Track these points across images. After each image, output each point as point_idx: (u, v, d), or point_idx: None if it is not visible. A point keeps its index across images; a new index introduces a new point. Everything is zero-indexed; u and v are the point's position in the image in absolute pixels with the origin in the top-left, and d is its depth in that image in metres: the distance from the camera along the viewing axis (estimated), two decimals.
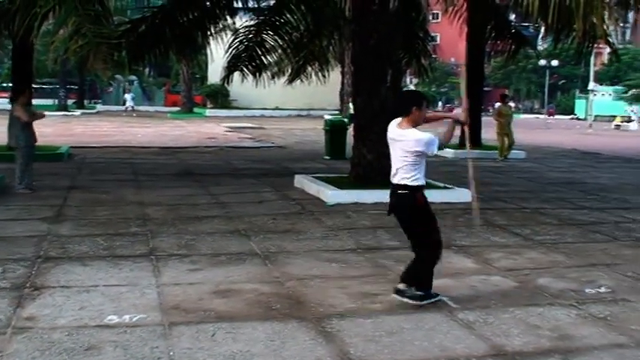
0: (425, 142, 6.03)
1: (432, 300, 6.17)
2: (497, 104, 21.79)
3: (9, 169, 12.96)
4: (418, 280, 6.17)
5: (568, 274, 7.41)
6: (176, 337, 5.27)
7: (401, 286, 6.19)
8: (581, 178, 16.58)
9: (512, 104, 21.91)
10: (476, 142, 21.94)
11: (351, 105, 37.98)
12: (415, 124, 6.22)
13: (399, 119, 6.33)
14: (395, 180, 6.23)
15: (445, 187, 12.62)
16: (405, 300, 6.11)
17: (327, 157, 19.66)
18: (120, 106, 56.25)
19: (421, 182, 6.17)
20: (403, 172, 6.13)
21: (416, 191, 6.12)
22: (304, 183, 13.17)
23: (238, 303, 6.18)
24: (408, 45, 18.69)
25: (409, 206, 6.16)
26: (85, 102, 59.24)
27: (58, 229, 9.24)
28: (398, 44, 13.49)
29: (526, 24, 28.62)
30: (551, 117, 62.25)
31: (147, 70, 66.78)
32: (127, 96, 54.59)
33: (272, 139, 28.42)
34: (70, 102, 54.26)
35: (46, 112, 15.99)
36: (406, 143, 6.10)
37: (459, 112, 6.25)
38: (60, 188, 12.80)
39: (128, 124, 36.84)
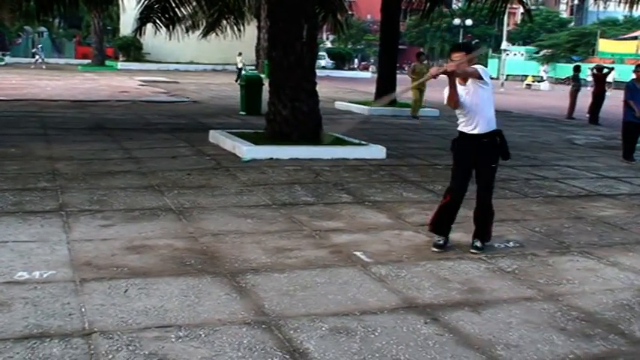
0: None
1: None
2: (413, 63, 21.98)
3: None
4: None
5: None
6: (88, 293, 5.19)
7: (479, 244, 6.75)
8: None
9: (426, 62, 22.09)
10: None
11: (238, 59, 37.85)
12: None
13: None
14: None
15: (360, 144, 12.73)
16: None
17: (243, 113, 19.51)
18: (29, 58, 54.30)
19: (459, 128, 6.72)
20: None
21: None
22: (219, 138, 13.05)
23: (152, 259, 6.12)
24: (324, 0, 18.63)
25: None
26: None
27: None
28: None
29: None
30: None
31: (57, 21, 64.49)
32: (37, 48, 52.74)
33: (187, 93, 28.00)
34: None
35: None
36: None
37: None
38: None
39: (37, 77, 35.64)
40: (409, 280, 5.83)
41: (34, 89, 26.67)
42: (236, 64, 39.02)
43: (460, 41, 8.73)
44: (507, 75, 55.52)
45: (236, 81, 36.79)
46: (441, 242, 6.71)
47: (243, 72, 37.28)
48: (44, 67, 47.76)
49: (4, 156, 11.09)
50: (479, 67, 6.36)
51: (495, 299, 5.48)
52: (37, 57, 50.46)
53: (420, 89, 20.61)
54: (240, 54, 38.04)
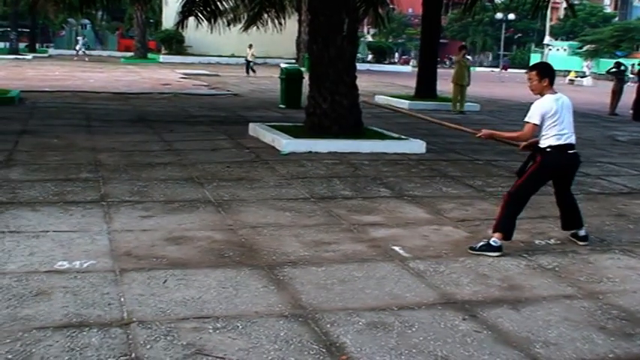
0: None
1: None
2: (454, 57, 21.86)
3: None
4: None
5: (519, 225, 7.46)
6: (127, 283, 5.24)
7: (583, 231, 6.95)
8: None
9: (469, 57, 21.94)
10: (431, 93, 22.02)
11: (248, 51, 37.51)
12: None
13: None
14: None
15: (399, 138, 12.67)
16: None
17: (283, 106, 19.54)
18: (72, 50, 54.99)
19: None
20: None
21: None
22: (259, 131, 13.09)
23: (191, 250, 6.16)
24: None
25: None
26: (37, 45, 57.75)
27: (8, 173, 9.06)
28: None
29: None
30: (505, 71, 62.61)
31: (100, 13, 65.25)
32: (80, 40, 53.38)
33: (227, 86, 28.13)
34: (21, 45, 52.84)
35: None
36: None
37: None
38: (10, 133, 12.53)
39: (80, 69, 36.09)
40: (447, 275, 5.79)
41: (77, 81, 27.01)
42: (245, 57, 38.77)
43: (538, 62, 8.80)
44: None
45: (247, 74, 36.86)
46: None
47: (252, 64, 37.43)
48: (87, 59, 48.32)
49: (47, 146, 11.26)
50: (535, 109, 6.48)
51: (535, 297, 5.41)
52: (78, 48, 51.05)
53: (462, 84, 20.46)
54: (250, 46, 37.46)
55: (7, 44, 51.80)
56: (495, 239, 6.43)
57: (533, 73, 6.57)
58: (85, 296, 4.93)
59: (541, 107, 6.43)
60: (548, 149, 6.50)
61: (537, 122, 6.39)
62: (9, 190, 8.10)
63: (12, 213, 7.11)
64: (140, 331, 4.42)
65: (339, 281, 5.51)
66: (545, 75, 6.53)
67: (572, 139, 6.64)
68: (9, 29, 53.30)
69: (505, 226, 6.51)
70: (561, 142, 6.49)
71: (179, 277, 5.42)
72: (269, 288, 5.30)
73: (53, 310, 4.68)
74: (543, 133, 6.49)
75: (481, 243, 6.49)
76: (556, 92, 6.53)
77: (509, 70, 66.05)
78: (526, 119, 6.46)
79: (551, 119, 6.42)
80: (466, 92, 20.92)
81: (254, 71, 37.63)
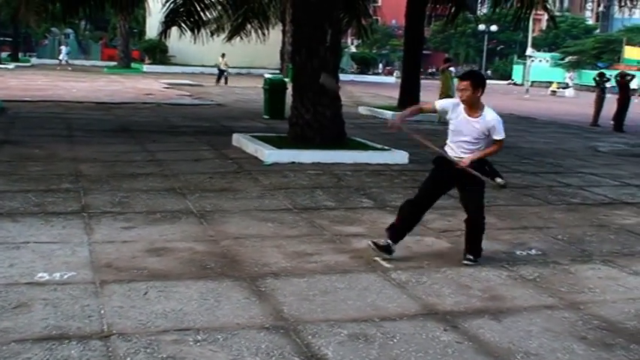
0: None
1: None
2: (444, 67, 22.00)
3: None
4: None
5: (500, 236, 7.56)
6: (107, 295, 5.20)
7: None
8: (517, 142, 16.83)
9: (452, 69, 22.01)
10: (414, 104, 22.05)
11: (221, 60, 37.04)
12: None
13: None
14: None
15: (383, 149, 12.69)
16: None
17: (267, 117, 19.53)
18: (55, 59, 54.75)
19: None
20: None
21: None
22: (242, 142, 13.08)
23: (172, 262, 6.13)
24: (348, 5, 18.63)
25: None
26: (20, 55, 57.45)
27: None
28: (338, 4, 13.41)
29: None
30: None
31: (83, 23, 65.07)
32: (63, 49, 53.15)
33: (211, 96, 28.09)
34: (3, 54, 52.55)
35: None
36: None
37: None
38: None
39: (63, 78, 35.92)
40: (429, 286, 5.80)
41: (59, 90, 26.88)
42: (217, 66, 38.56)
43: (471, 70, 8.64)
44: (532, 81, 55.18)
45: (217, 83, 36.74)
46: None
47: (225, 74, 37.26)
48: (70, 68, 48.12)
49: (29, 157, 11.19)
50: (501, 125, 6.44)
51: (516, 307, 5.42)
52: (62, 58, 50.82)
53: (449, 95, 20.56)
54: (223, 55, 37.27)
55: None
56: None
57: (467, 82, 6.26)
58: (65, 308, 4.89)
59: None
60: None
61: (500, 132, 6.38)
62: None
63: None
64: (120, 343, 4.39)
65: (321, 292, 5.50)
66: (480, 85, 6.29)
67: None
68: None
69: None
70: None
71: (160, 289, 5.40)
72: (251, 299, 5.29)
73: (33, 322, 4.64)
74: (482, 146, 6.41)
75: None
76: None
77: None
78: (502, 136, 6.37)
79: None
80: None
81: (226, 81, 37.32)
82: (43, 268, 5.74)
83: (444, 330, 4.87)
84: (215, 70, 39.93)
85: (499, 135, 6.34)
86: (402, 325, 4.91)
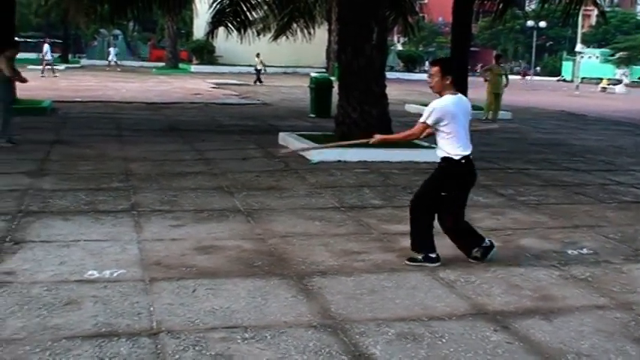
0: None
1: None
2: (490, 65, 21.80)
3: None
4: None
5: (551, 235, 7.43)
6: (157, 292, 5.24)
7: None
8: (567, 139, 16.60)
9: (503, 65, 21.76)
10: None
11: (257, 60, 36.70)
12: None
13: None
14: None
15: (430, 147, 12.57)
16: None
17: (313, 115, 19.55)
18: (104, 60, 55.58)
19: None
20: None
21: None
22: (288, 140, 13.10)
23: (220, 259, 6.15)
24: (395, 3, 18.52)
25: None
26: (70, 56, 58.47)
27: (40, 183, 9.15)
28: (384, 2, 13.33)
29: None
30: (526, 77, 62.03)
31: (131, 24, 65.93)
32: (111, 50, 53.92)
33: (258, 96, 28.23)
34: (54, 56, 53.57)
35: (30, 66, 15.78)
36: None
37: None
38: (42, 142, 12.67)
39: (112, 79, 36.45)
40: (479, 285, 5.72)
41: (108, 91, 27.28)
42: (255, 66, 38.56)
43: (441, 57, 8.42)
44: (582, 78, 54.31)
45: (255, 83, 36.74)
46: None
47: (262, 73, 37.24)
48: (119, 69, 48.80)
49: (79, 156, 11.36)
50: (432, 111, 6.00)
51: (567, 307, 5.32)
52: (111, 59, 51.52)
53: (497, 93, 20.35)
54: (258, 55, 37.30)
55: (40, 55, 52.53)
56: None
57: (436, 68, 6.00)
58: (114, 305, 4.94)
59: (439, 110, 5.94)
60: (449, 158, 6.08)
61: (430, 123, 5.98)
62: (40, 200, 8.18)
63: (43, 222, 7.17)
64: (169, 340, 4.41)
65: (369, 291, 5.47)
66: (449, 72, 5.98)
67: (470, 148, 6.18)
68: (42, 40, 54.13)
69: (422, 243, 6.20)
70: (460, 151, 6.05)
71: (208, 287, 5.42)
72: (298, 298, 5.28)
73: (83, 319, 4.70)
74: (441, 139, 6.07)
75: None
76: (456, 93, 6.06)
77: (534, 77, 65.38)
78: (421, 120, 6.02)
79: (448, 124, 5.97)
80: (500, 101, 20.77)
81: (261, 81, 37.26)
82: (93, 266, 5.81)
83: (494, 330, 4.80)
84: (272, 70, 40.02)
85: (422, 117, 6.03)
86: (450, 325, 4.85)
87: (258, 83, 36.87)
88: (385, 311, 5.06)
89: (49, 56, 38.34)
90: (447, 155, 6.07)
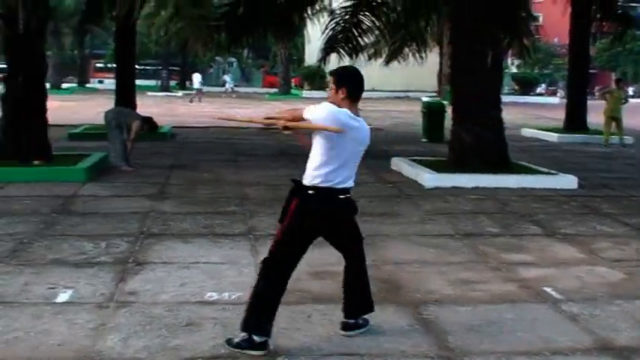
0: None
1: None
2: (611, 88, 21.07)
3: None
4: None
5: None
6: None
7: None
8: None
9: (624, 89, 20.94)
10: (581, 126, 21.24)
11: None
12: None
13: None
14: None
15: (549, 173, 12.25)
16: None
17: (425, 140, 19.40)
18: (219, 87, 57.04)
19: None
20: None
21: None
22: (401, 166, 13.02)
23: (334, 285, 6.10)
24: (509, 25, 18.19)
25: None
26: (187, 83, 60.38)
27: (161, 206, 9.43)
28: (497, 24, 13.12)
29: (634, 4, 27.46)
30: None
31: (246, 51, 67.50)
32: (227, 77, 55.31)
33: (369, 120, 27.96)
34: (172, 83, 55.57)
35: (150, 93, 16.31)
36: None
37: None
38: (163, 167, 13.08)
39: (228, 105, 37.30)
40: (604, 319, 5.47)
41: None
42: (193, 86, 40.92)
43: (342, 65, 6.65)
44: None
45: (191, 102, 38.76)
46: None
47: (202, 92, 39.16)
48: (234, 95, 49.95)
49: (199, 180, 11.66)
50: (324, 114, 4.61)
51: None
52: (227, 85, 52.85)
53: (614, 117, 19.61)
54: (195, 73, 39.94)
55: (159, 82, 54.62)
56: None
57: (332, 79, 4.75)
58: (233, 328, 4.97)
59: (332, 118, 4.59)
60: (311, 191, 4.86)
61: (313, 120, 4.62)
62: (161, 222, 8.42)
63: (164, 244, 7.37)
64: None
65: (488, 322, 5.32)
66: (343, 84, 4.68)
67: (351, 182, 5.05)
68: (160, 68, 56.25)
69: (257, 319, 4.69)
70: (332, 183, 4.89)
71: (323, 312, 5.42)
72: (414, 327, 5.19)
73: (202, 340, 4.78)
74: (313, 163, 4.84)
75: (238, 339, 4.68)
76: (358, 115, 4.81)
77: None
78: (307, 116, 4.66)
79: (333, 147, 4.74)
80: (622, 125, 19.96)
81: (200, 100, 39.26)
82: (212, 288, 5.92)
83: None
84: (384, 94, 40.48)
85: (306, 113, 4.68)
86: None
87: (194, 102, 38.73)
88: (505, 344, 4.91)
89: (199, 85, 41.79)
90: (311, 185, 4.97)
